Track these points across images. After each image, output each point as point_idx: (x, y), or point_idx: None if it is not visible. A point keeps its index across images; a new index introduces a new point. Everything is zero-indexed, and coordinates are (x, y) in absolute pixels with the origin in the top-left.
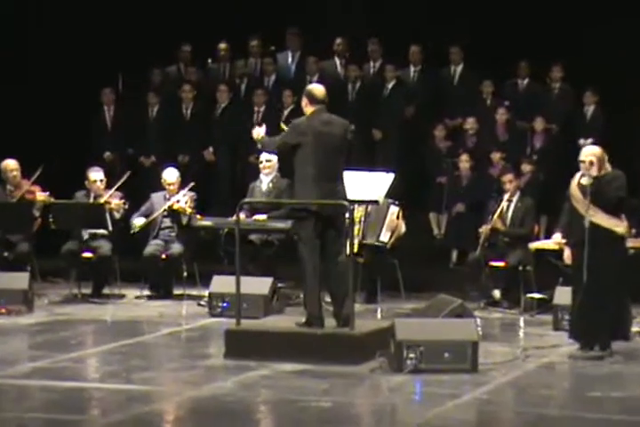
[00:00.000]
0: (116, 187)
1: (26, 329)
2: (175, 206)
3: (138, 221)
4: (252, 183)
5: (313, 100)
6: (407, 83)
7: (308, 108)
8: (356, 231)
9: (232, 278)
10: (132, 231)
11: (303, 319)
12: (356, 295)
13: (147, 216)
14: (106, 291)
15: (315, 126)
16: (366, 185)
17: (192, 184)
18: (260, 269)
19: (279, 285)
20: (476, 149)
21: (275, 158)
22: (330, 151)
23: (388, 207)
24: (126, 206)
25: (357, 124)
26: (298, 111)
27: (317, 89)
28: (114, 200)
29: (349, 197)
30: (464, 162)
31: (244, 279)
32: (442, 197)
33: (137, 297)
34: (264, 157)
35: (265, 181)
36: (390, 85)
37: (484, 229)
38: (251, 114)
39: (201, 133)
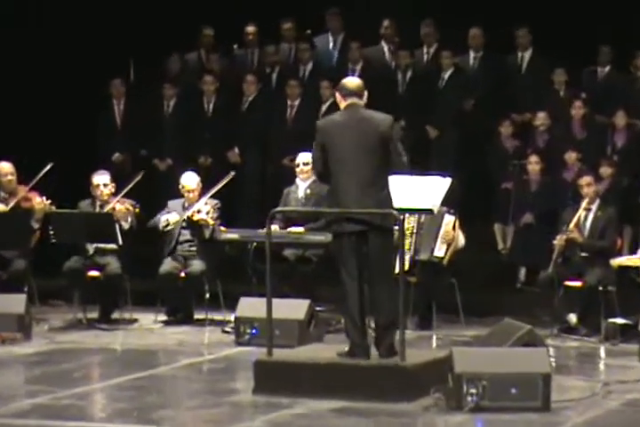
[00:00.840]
0: (124, 191)
1: (22, 360)
2: (195, 217)
3: (172, 217)
4: (287, 189)
5: (345, 93)
6: (466, 71)
7: (341, 104)
8: (406, 246)
9: (262, 301)
10: (163, 228)
11: (345, 348)
12: (407, 320)
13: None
14: (115, 315)
15: (345, 124)
16: (418, 191)
17: (231, 175)
18: (294, 289)
19: (317, 308)
20: (547, 149)
21: None
22: (365, 152)
23: (442, 217)
24: (137, 210)
25: (408, 121)
26: (337, 105)
27: (349, 80)
28: (119, 205)
29: (399, 205)
30: (533, 164)
31: (277, 302)
32: (507, 206)
33: (153, 322)
34: (301, 158)
35: (302, 186)
36: (447, 75)
37: (558, 242)
38: (283, 109)
39: (225, 131)
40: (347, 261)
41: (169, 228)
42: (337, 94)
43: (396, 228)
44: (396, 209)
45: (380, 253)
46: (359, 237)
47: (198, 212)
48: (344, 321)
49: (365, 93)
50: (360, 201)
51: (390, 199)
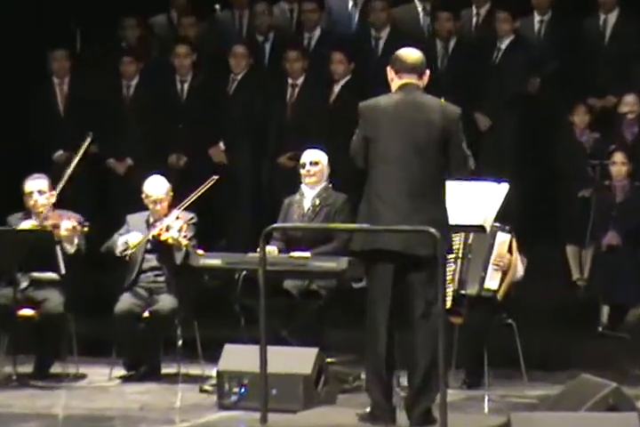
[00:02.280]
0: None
1: None
2: (164, 236)
3: (133, 238)
4: (288, 199)
5: (400, 67)
6: (530, 40)
7: (394, 84)
8: (448, 275)
9: (254, 349)
10: (122, 253)
11: (367, 409)
12: (449, 375)
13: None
14: (56, 369)
15: (395, 111)
16: (465, 202)
17: (213, 179)
18: (298, 334)
19: (328, 359)
20: (637, 145)
21: (325, 161)
22: (421, 151)
23: (494, 236)
24: (85, 228)
25: None
26: (355, 86)
27: (408, 52)
28: (65, 222)
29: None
30: (619, 165)
31: (274, 351)
32: (584, 222)
33: (107, 379)
34: (307, 156)
35: (308, 195)
36: (504, 44)
37: None
38: (282, 90)
39: (205, 121)
40: (377, 298)
41: (129, 252)
42: (389, 70)
43: None
44: (446, 227)
45: (425, 291)
46: (399, 267)
47: (167, 229)
48: (365, 376)
49: (427, 72)
50: (408, 218)
51: (447, 217)
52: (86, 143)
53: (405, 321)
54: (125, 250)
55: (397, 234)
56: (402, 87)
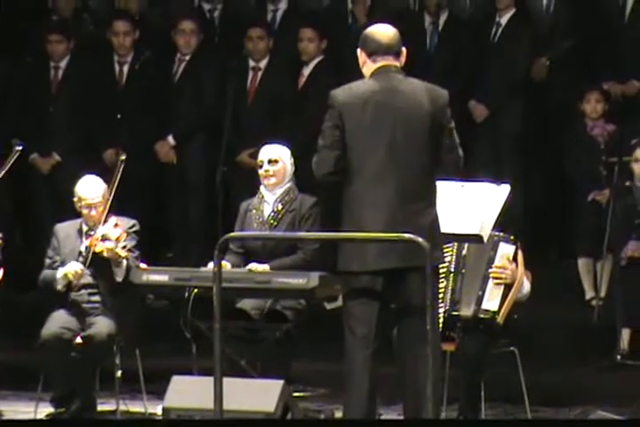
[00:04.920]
0: None
1: None
2: (98, 247)
3: (72, 268)
4: (245, 203)
5: (373, 49)
6: (535, 15)
7: (367, 68)
8: (439, 293)
9: (207, 382)
10: (64, 288)
11: None
12: (441, 410)
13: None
14: None
15: (374, 99)
16: (459, 207)
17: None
18: (260, 364)
19: (296, 393)
20: None
21: (287, 158)
22: (409, 145)
23: (495, 247)
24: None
25: None
26: (328, 68)
27: (380, 30)
28: None
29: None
30: None
31: (232, 383)
32: (600, 230)
33: (29, 417)
34: (266, 154)
35: (269, 198)
36: (504, 19)
37: None
38: (241, 74)
39: (149, 110)
40: (359, 318)
41: (75, 284)
42: (360, 53)
43: None
44: (437, 236)
45: (420, 306)
46: (387, 280)
47: (104, 239)
48: (343, 411)
49: (404, 51)
50: (397, 223)
51: (439, 222)
52: (15, 156)
53: (401, 343)
54: (69, 284)
55: (388, 247)
56: (379, 71)
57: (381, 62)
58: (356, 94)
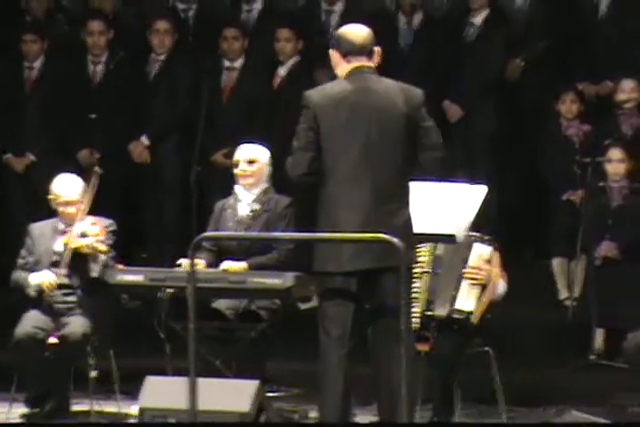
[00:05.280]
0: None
1: None
2: (77, 243)
3: (44, 277)
4: (220, 202)
5: (346, 50)
6: (510, 15)
7: (341, 69)
8: (413, 294)
9: (181, 382)
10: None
11: None
12: (414, 411)
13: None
14: None
15: (349, 100)
16: (433, 207)
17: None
18: (234, 364)
19: (270, 393)
20: (636, 140)
21: (264, 157)
22: (384, 146)
23: (470, 247)
24: None
25: None
26: (304, 68)
27: (352, 30)
28: None
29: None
30: (616, 163)
31: (206, 383)
32: (574, 230)
33: (4, 418)
34: (243, 153)
35: (245, 198)
36: (478, 20)
37: None
38: (216, 75)
39: (123, 110)
40: (334, 319)
41: (48, 294)
42: (333, 53)
43: None
44: (411, 236)
45: (394, 306)
46: (361, 281)
47: (82, 236)
48: (318, 412)
49: (377, 50)
50: (372, 224)
51: (412, 222)
52: None
53: (377, 344)
54: (42, 292)
55: (363, 248)
56: (353, 72)
57: (355, 63)
58: (331, 95)
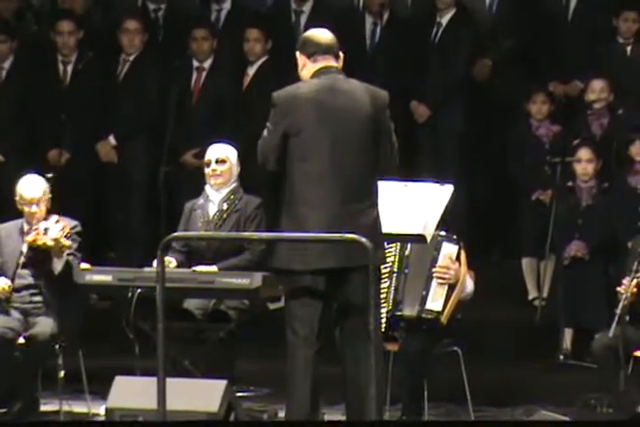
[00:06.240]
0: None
1: None
2: (41, 240)
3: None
4: (190, 203)
5: (312, 51)
6: (478, 14)
7: (307, 70)
8: (382, 294)
9: (150, 382)
10: None
11: None
12: (384, 412)
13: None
14: None
15: (316, 100)
16: (401, 207)
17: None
18: (203, 364)
19: (239, 393)
20: (606, 140)
21: (234, 158)
22: (347, 144)
23: (438, 247)
24: None
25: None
26: (273, 68)
27: (318, 33)
28: None
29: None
30: (585, 163)
31: (175, 384)
32: (543, 230)
33: None
34: (213, 153)
35: (215, 198)
36: (445, 19)
37: (625, 289)
38: (186, 75)
39: (92, 110)
40: (301, 318)
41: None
42: (299, 55)
43: None
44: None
45: (362, 306)
46: (329, 280)
47: (46, 232)
48: (285, 411)
49: (341, 55)
50: (339, 223)
51: (380, 222)
52: None
53: (345, 344)
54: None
55: (330, 246)
56: (321, 71)
57: (322, 63)
58: (298, 95)
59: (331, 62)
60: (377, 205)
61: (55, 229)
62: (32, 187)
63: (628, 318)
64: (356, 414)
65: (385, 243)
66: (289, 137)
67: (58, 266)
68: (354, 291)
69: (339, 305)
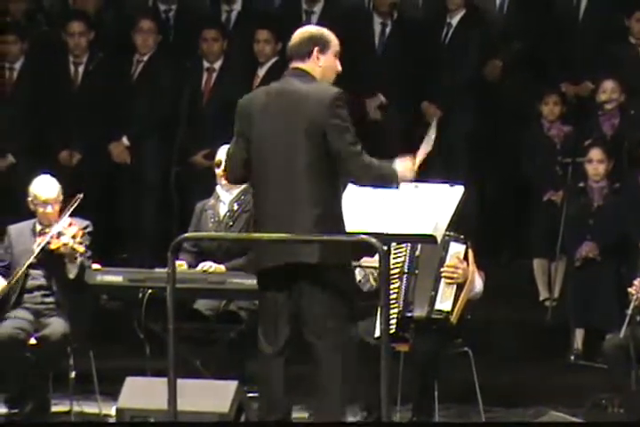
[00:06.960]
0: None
1: None
2: (55, 244)
3: None
4: (201, 203)
5: (288, 57)
6: (488, 15)
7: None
8: (392, 295)
9: (161, 383)
10: None
11: None
12: (393, 411)
13: (5, 274)
14: None
15: (268, 104)
16: (411, 208)
17: (78, 198)
18: (214, 364)
19: (250, 394)
20: (617, 140)
21: None
22: (294, 149)
23: (446, 247)
24: None
25: (392, 95)
26: (283, 69)
27: (293, 36)
28: None
29: (379, 229)
30: (596, 163)
31: (186, 385)
32: (554, 231)
33: None
34: (224, 154)
35: (225, 199)
36: (455, 20)
37: (638, 290)
38: (196, 76)
39: (104, 111)
40: (266, 319)
41: None
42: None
43: (373, 263)
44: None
45: (318, 305)
46: (291, 278)
47: (58, 236)
48: (259, 410)
49: (315, 52)
50: (287, 221)
51: (340, 221)
52: None
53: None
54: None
55: (282, 243)
56: (283, 74)
57: (291, 66)
58: (253, 100)
59: (298, 64)
60: (335, 207)
61: (68, 234)
62: (46, 187)
63: (639, 318)
64: (319, 413)
65: (393, 243)
66: (248, 143)
67: (73, 270)
68: (319, 289)
69: (307, 303)
